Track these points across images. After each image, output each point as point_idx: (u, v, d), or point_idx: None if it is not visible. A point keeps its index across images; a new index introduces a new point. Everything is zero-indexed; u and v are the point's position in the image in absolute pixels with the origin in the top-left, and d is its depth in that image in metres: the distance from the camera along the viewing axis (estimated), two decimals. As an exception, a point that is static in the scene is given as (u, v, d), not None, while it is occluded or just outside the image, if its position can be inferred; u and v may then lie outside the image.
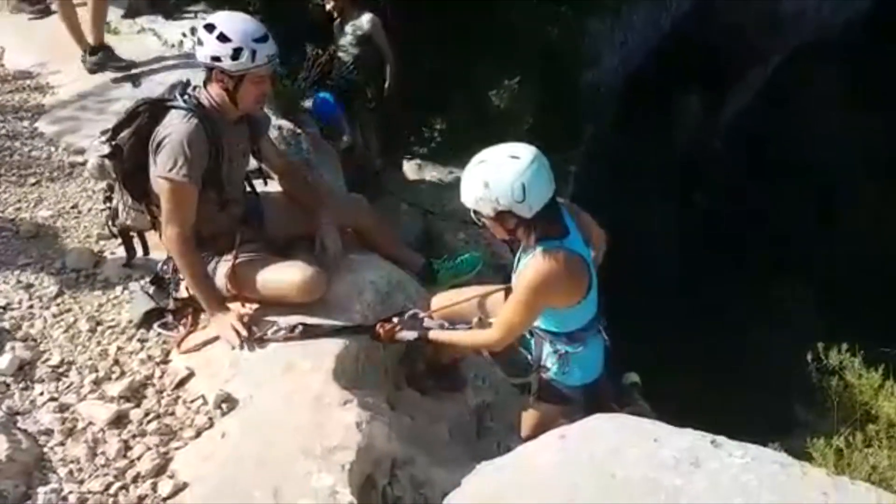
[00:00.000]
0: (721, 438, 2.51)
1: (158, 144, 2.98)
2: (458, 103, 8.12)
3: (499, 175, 2.53)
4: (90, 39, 5.27)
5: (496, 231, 2.73)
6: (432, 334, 3.06)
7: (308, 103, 6.62)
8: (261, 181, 3.54)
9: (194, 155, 2.95)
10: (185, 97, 3.03)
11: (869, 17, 15.29)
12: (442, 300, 3.28)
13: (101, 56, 5.26)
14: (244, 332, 3.01)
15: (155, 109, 3.04)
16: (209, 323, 3.14)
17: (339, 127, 6.67)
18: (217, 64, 2.97)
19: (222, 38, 2.93)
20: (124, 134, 3.08)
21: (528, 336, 3.00)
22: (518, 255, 2.84)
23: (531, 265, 2.64)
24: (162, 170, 2.96)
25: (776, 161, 11.83)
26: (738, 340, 6.29)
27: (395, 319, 3.14)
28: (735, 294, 8.65)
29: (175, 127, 2.96)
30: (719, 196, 13.41)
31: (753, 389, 4.39)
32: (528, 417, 3.16)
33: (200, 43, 3.00)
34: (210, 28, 2.97)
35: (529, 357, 3.02)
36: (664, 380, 5.13)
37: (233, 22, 3.00)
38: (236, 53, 2.94)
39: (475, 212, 2.68)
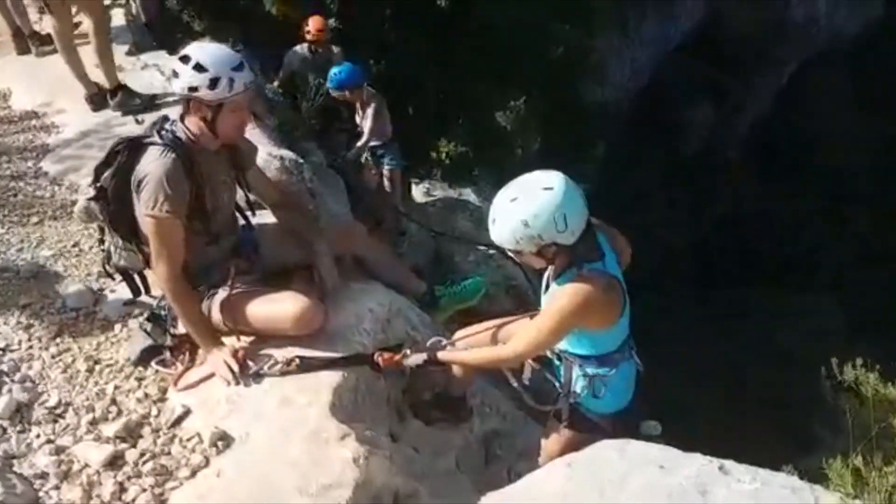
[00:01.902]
0: (729, 463, 2.44)
1: (139, 183, 2.97)
2: (466, 125, 8.11)
3: (537, 210, 2.48)
4: (107, 83, 5.32)
5: (534, 262, 2.68)
6: (442, 355, 2.99)
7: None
8: (250, 212, 3.52)
9: (174, 190, 2.94)
10: (163, 132, 3.03)
11: (882, 24, 15.12)
12: (466, 331, 3.23)
13: (120, 97, 5.30)
14: (236, 369, 2.97)
15: (133, 148, 3.03)
16: (205, 359, 3.10)
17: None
18: (195, 94, 2.95)
19: (199, 67, 2.92)
20: (106, 175, 3.08)
21: (556, 361, 2.93)
22: (546, 278, 2.79)
23: (568, 290, 2.57)
24: (145, 208, 2.95)
25: (793, 168, 11.65)
26: (754, 351, 6.13)
27: (409, 350, 3.08)
28: (752, 302, 8.47)
29: (153, 164, 2.95)
30: (737, 205, 13.26)
31: (769, 406, 4.26)
32: (551, 445, 3.04)
33: (176, 75, 2.99)
34: (185, 59, 2.96)
35: (557, 384, 2.93)
36: (676, 392, 5.00)
37: (208, 52, 2.99)
38: (213, 83, 2.93)
39: (513, 251, 2.63)
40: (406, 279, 3.90)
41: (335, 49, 7.16)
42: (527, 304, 5.44)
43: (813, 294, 6.27)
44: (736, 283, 7.58)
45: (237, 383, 2.95)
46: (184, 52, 3.01)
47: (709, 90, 14.01)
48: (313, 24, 7.05)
